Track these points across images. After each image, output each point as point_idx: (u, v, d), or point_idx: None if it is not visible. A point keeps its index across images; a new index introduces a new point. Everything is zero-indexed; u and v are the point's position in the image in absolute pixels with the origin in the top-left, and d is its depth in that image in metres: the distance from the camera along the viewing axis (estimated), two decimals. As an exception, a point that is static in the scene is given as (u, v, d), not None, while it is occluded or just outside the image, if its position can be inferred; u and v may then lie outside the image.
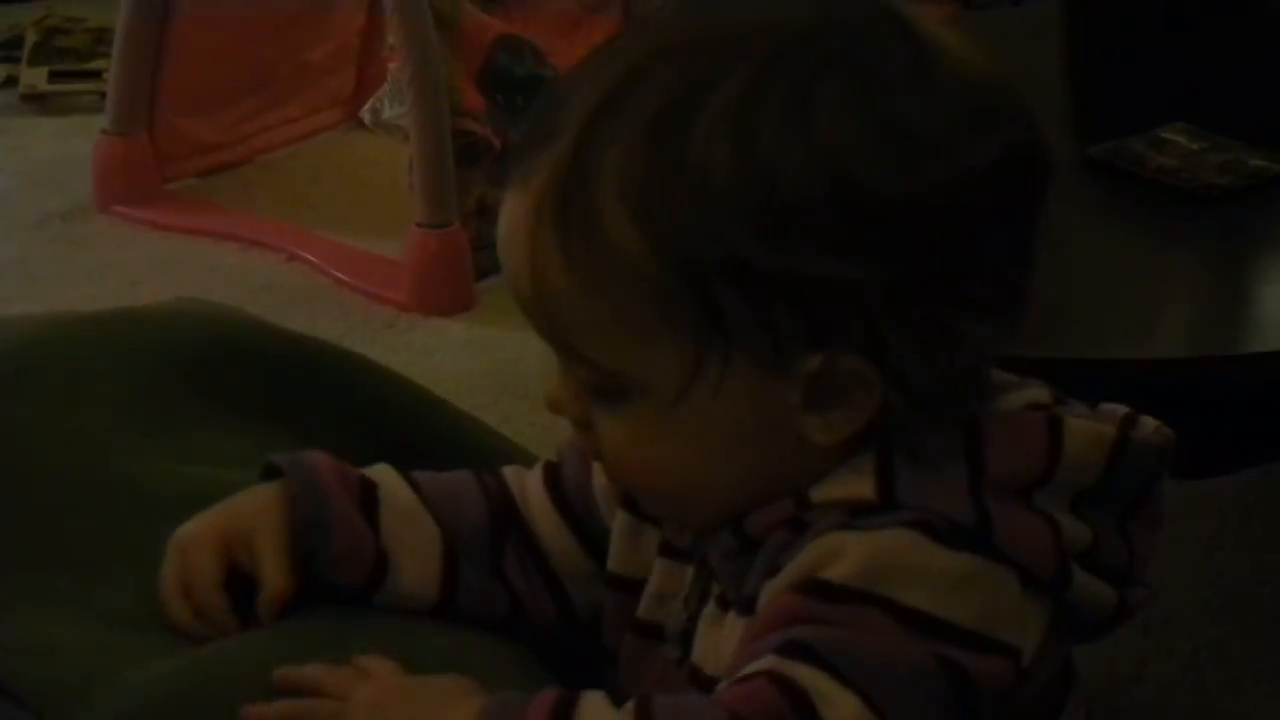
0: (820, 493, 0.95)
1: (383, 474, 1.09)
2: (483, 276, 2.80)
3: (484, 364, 2.58)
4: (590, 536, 1.09)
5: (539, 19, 2.92)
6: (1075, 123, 2.15)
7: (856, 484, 0.94)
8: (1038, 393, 0.99)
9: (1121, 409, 1.01)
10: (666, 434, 0.95)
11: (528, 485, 1.11)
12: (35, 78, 3.53)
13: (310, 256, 2.91)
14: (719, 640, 0.99)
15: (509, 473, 1.12)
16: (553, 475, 1.10)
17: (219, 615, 1.05)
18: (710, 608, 1.00)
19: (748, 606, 0.96)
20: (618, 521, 1.07)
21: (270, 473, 1.09)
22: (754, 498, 0.96)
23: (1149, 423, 1.01)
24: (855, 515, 0.93)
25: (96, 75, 3.39)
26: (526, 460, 1.17)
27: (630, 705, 0.91)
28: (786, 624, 0.91)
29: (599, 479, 1.08)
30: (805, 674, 0.89)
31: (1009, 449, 0.94)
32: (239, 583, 1.06)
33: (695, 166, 0.90)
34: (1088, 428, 0.96)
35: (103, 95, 3.16)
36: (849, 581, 0.91)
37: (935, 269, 0.93)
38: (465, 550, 1.08)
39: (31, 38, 3.64)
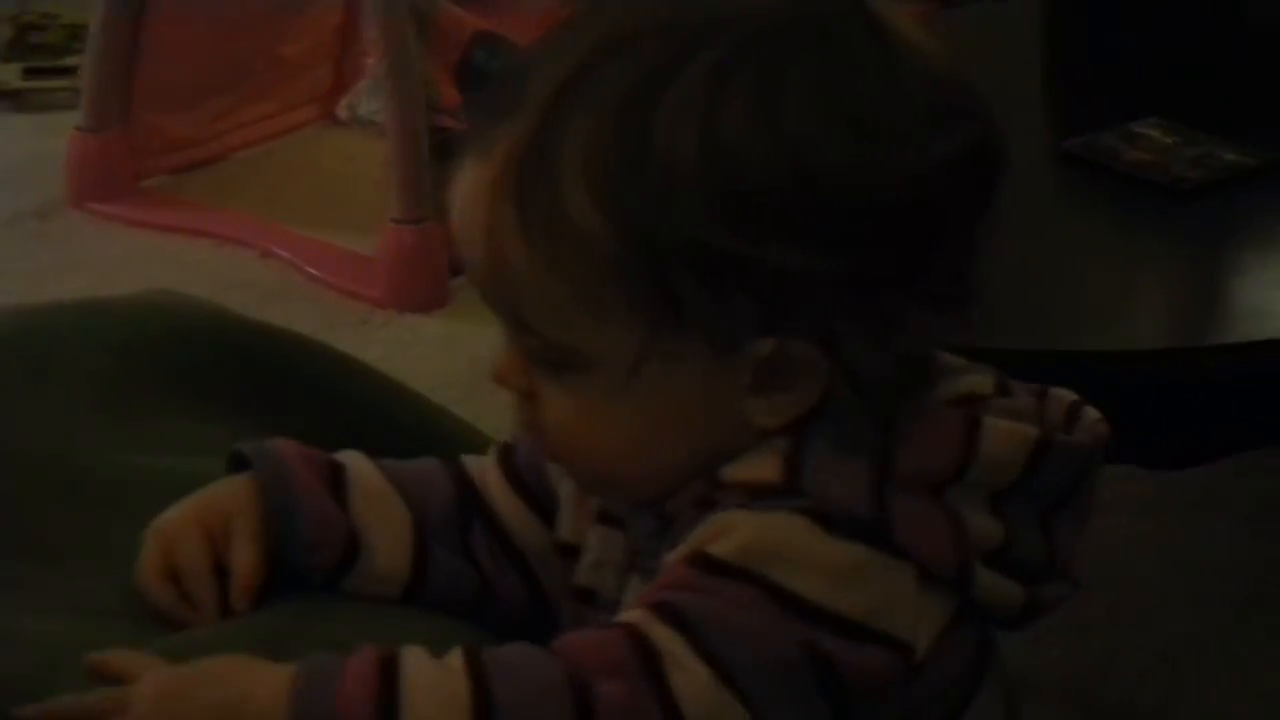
0: (730, 473, 0.95)
1: (351, 457, 1.09)
2: (458, 273, 2.80)
3: (458, 360, 2.58)
4: (547, 511, 1.08)
5: (516, 15, 2.93)
6: (1051, 117, 2.16)
7: (763, 467, 0.94)
8: (980, 379, 0.99)
9: (1070, 396, 1.01)
10: (612, 409, 0.95)
11: (485, 468, 1.11)
12: (9, 74, 3.53)
13: (285, 253, 2.92)
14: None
15: (468, 460, 1.12)
16: (507, 455, 1.11)
17: (208, 600, 1.04)
18: (635, 580, 1.00)
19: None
20: (564, 490, 1.07)
21: (237, 461, 1.08)
22: (687, 477, 0.96)
23: (1090, 414, 1.01)
24: (756, 497, 0.93)
25: (71, 72, 3.39)
26: (497, 453, 1.17)
27: (459, 657, 0.90)
28: (663, 589, 0.91)
29: None
30: (664, 634, 0.89)
31: (920, 445, 0.94)
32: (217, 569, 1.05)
33: (658, 149, 0.90)
34: (1007, 428, 0.95)
35: (77, 92, 3.17)
36: (731, 557, 0.90)
37: (890, 260, 0.93)
38: (434, 531, 1.08)
39: (5, 34, 3.64)
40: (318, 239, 2.93)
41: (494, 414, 1.24)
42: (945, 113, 0.94)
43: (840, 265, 0.91)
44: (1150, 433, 1.59)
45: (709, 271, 0.91)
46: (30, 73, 3.54)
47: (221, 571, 1.05)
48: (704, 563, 0.91)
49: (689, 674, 0.88)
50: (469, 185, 0.95)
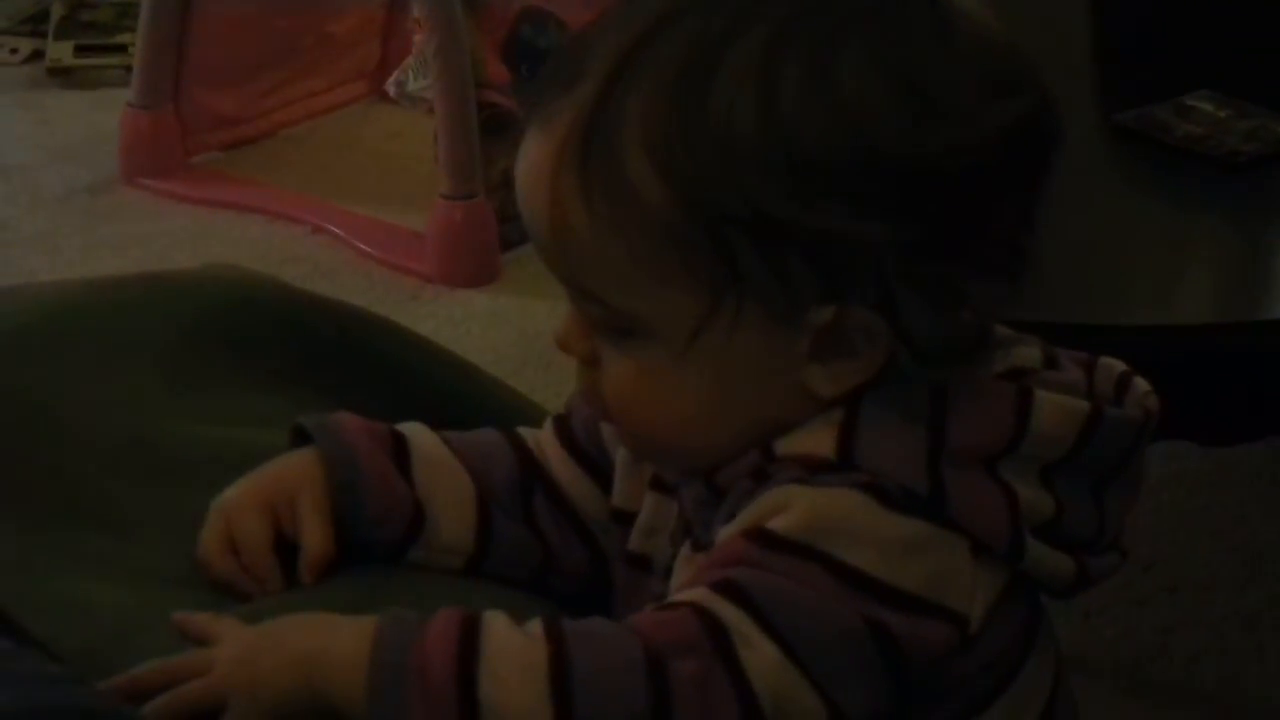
0: (784, 446, 0.95)
1: (413, 429, 1.10)
2: (508, 248, 2.80)
3: (509, 335, 2.58)
4: (604, 478, 1.09)
5: (563, -10, 2.93)
6: (1101, 90, 2.15)
7: (818, 441, 0.94)
8: (1029, 351, 1.00)
9: (1119, 367, 1.02)
10: (672, 377, 0.95)
11: (542, 439, 1.12)
12: (61, 52, 3.53)
13: (335, 229, 2.92)
14: (686, 579, 0.98)
15: (524, 432, 1.12)
16: (563, 425, 1.11)
17: (268, 575, 1.05)
18: (685, 549, 1.01)
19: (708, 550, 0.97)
20: (620, 457, 1.08)
21: (299, 435, 1.09)
22: (745, 446, 0.96)
23: (1140, 385, 1.01)
24: (812, 471, 0.93)
25: (122, 49, 3.40)
26: (553, 426, 1.17)
27: (539, 625, 0.91)
28: (726, 565, 0.92)
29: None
30: (732, 613, 0.90)
31: (973, 419, 0.94)
32: (281, 545, 1.06)
33: (719, 118, 0.91)
34: (1059, 402, 0.96)
35: (128, 69, 3.17)
36: (791, 533, 0.91)
37: (949, 229, 0.93)
38: (497, 501, 1.08)
39: (57, 12, 3.64)
40: (367, 215, 2.94)
41: (545, 388, 1.25)
42: (1000, 82, 0.94)
43: (899, 233, 0.92)
44: (1203, 409, 1.59)
45: (769, 239, 0.92)
46: (82, 50, 3.53)
47: (286, 545, 1.06)
48: (765, 538, 0.91)
49: (758, 651, 0.89)
50: (533, 156, 0.95)
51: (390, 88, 3.34)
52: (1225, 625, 1.99)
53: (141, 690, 0.93)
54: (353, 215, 2.94)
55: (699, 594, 0.91)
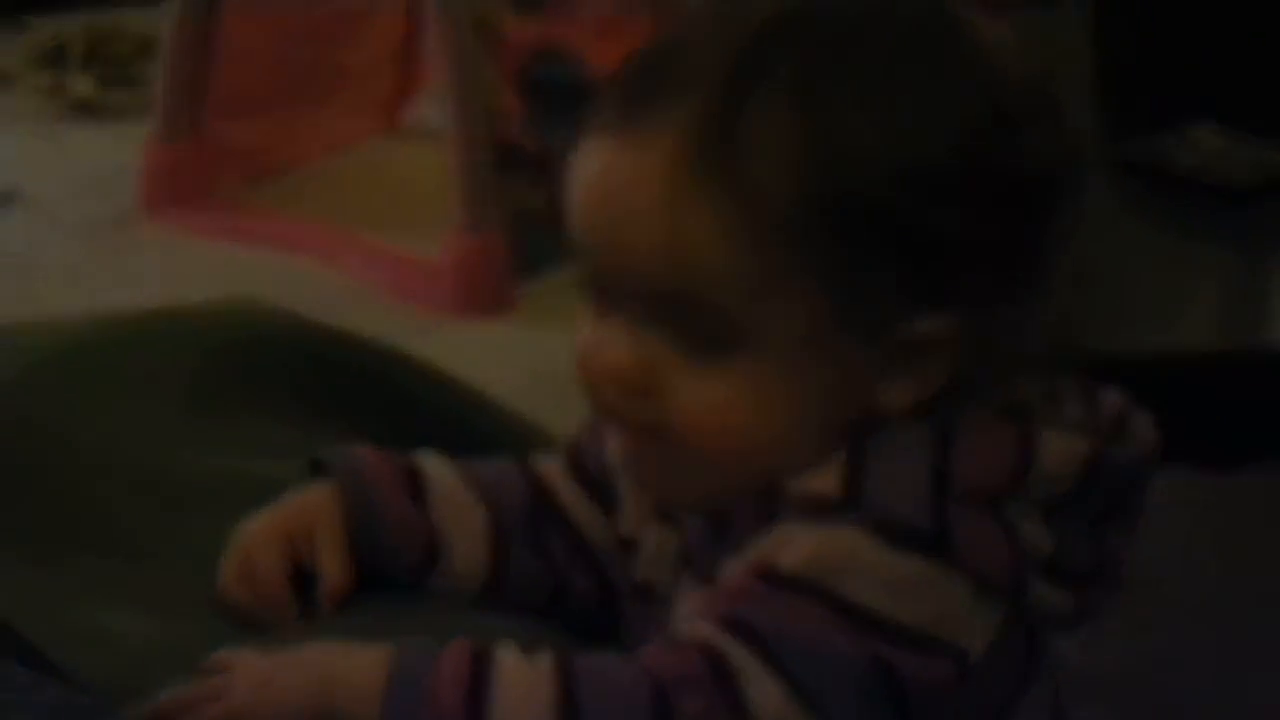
0: (792, 484, 0.94)
1: (429, 460, 1.10)
2: (522, 278, 2.81)
3: (523, 365, 2.58)
4: (612, 508, 1.09)
5: (576, 23, 2.93)
6: (1105, 122, 2.16)
7: (825, 480, 0.93)
8: (1029, 384, 0.99)
9: (1118, 400, 1.01)
10: (766, 391, 0.94)
11: (552, 469, 1.11)
12: (82, 85, 3.54)
13: (352, 260, 2.93)
14: (691, 610, 0.97)
15: (536, 460, 1.12)
16: (574, 454, 1.11)
17: (283, 606, 1.05)
18: (687, 579, 1.00)
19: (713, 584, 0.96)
20: (625, 486, 1.07)
21: (316, 468, 1.09)
22: (794, 469, 0.95)
23: (1140, 421, 1.01)
24: (819, 510, 0.93)
25: (142, 82, 3.41)
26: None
27: (549, 659, 0.91)
28: (734, 601, 0.92)
29: (611, 448, 1.06)
30: (738, 651, 0.90)
31: (978, 460, 0.93)
32: (300, 575, 1.06)
33: (842, 126, 0.91)
34: (1063, 442, 0.95)
35: (149, 102, 3.18)
36: (797, 571, 0.91)
37: (1026, 244, 0.95)
38: (511, 530, 1.08)
39: (78, 46, 3.65)
40: (384, 246, 2.94)
41: (558, 418, 1.25)
42: (1050, 107, 0.96)
43: (994, 235, 0.93)
44: (1204, 434, 1.59)
45: (889, 244, 0.92)
46: (103, 84, 3.55)
47: (305, 575, 1.06)
48: (771, 575, 0.91)
49: (764, 689, 0.89)
50: (626, 168, 0.94)
51: (407, 119, 3.35)
52: (1228, 648, 1.99)
53: (163, 718, 0.93)
54: (369, 246, 2.95)
55: (706, 630, 0.91)
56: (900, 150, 0.92)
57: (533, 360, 2.58)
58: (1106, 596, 0.99)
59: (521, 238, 2.81)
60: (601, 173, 0.95)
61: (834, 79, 0.92)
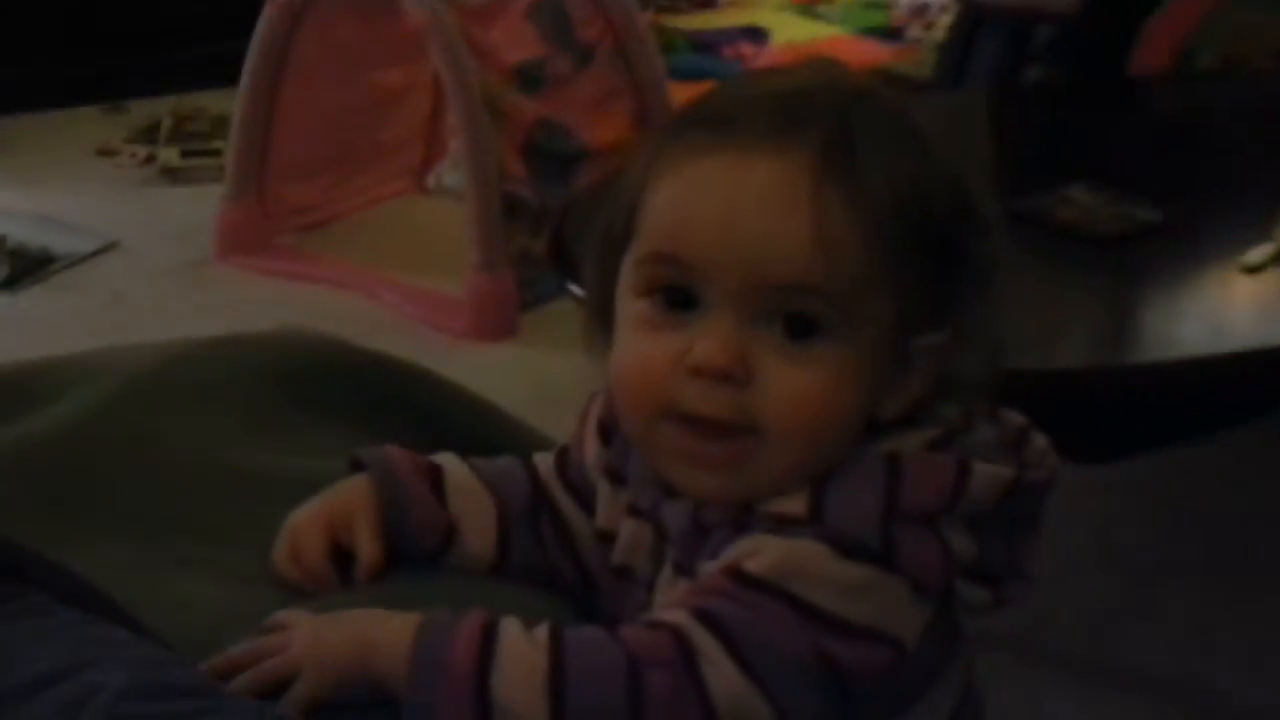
0: (765, 506, 0.93)
1: (447, 459, 1.09)
2: (525, 309, 2.80)
3: (527, 379, 2.58)
4: (589, 505, 1.07)
5: (569, 102, 2.93)
6: (999, 183, 2.17)
7: (792, 502, 0.92)
8: (953, 413, 0.97)
9: (1019, 421, 1.00)
10: (846, 375, 0.92)
11: (547, 468, 1.10)
12: (170, 155, 3.56)
13: (386, 295, 2.92)
14: (671, 600, 0.96)
15: (537, 457, 1.11)
16: (562, 457, 1.09)
17: (324, 579, 1.04)
18: (667, 571, 0.98)
19: (692, 578, 0.95)
20: (601, 488, 1.05)
21: (356, 465, 1.09)
22: (819, 470, 0.92)
23: (1038, 440, 0.99)
24: (784, 524, 0.91)
25: (217, 153, 3.41)
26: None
27: (544, 633, 0.90)
28: (707, 595, 0.90)
29: (589, 455, 1.06)
30: (704, 638, 0.88)
31: (921, 488, 0.92)
32: (341, 552, 1.06)
33: (916, 168, 0.93)
34: (991, 472, 0.93)
35: (221, 169, 3.18)
36: (763, 574, 0.89)
37: (985, 279, 0.95)
38: (514, 521, 1.07)
39: (167, 124, 3.67)
40: (412, 283, 2.94)
41: (555, 424, 1.24)
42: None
43: (989, 261, 0.94)
44: (1079, 435, 1.59)
45: (940, 252, 0.92)
46: (186, 154, 3.56)
47: (344, 552, 1.05)
48: (741, 576, 0.90)
49: (721, 671, 0.88)
50: (767, 178, 0.91)
51: (430, 181, 3.35)
52: (1094, 607, 1.99)
53: (233, 668, 0.93)
54: (400, 284, 2.95)
55: (680, 618, 0.90)
56: (949, 188, 0.93)
57: (533, 376, 2.58)
58: (1017, 591, 0.97)
59: (524, 276, 2.81)
60: (733, 183, 0.92)
61: (901, 132, 0.94)
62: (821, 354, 0.91)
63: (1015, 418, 1.00)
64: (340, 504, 1.06)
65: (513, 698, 0.88)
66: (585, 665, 0.89)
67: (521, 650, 0.89)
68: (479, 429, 1.25)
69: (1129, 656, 1.93)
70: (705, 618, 0.89)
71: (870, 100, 0.95)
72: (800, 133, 0.91)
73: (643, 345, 0.94)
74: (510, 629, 0.91)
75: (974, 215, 0.94)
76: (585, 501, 1.07)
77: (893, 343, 0.92)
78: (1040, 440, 1.00)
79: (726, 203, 0.91)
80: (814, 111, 0.93)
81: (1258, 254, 1.83)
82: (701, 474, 0.94)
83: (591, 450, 1.05)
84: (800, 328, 0.91)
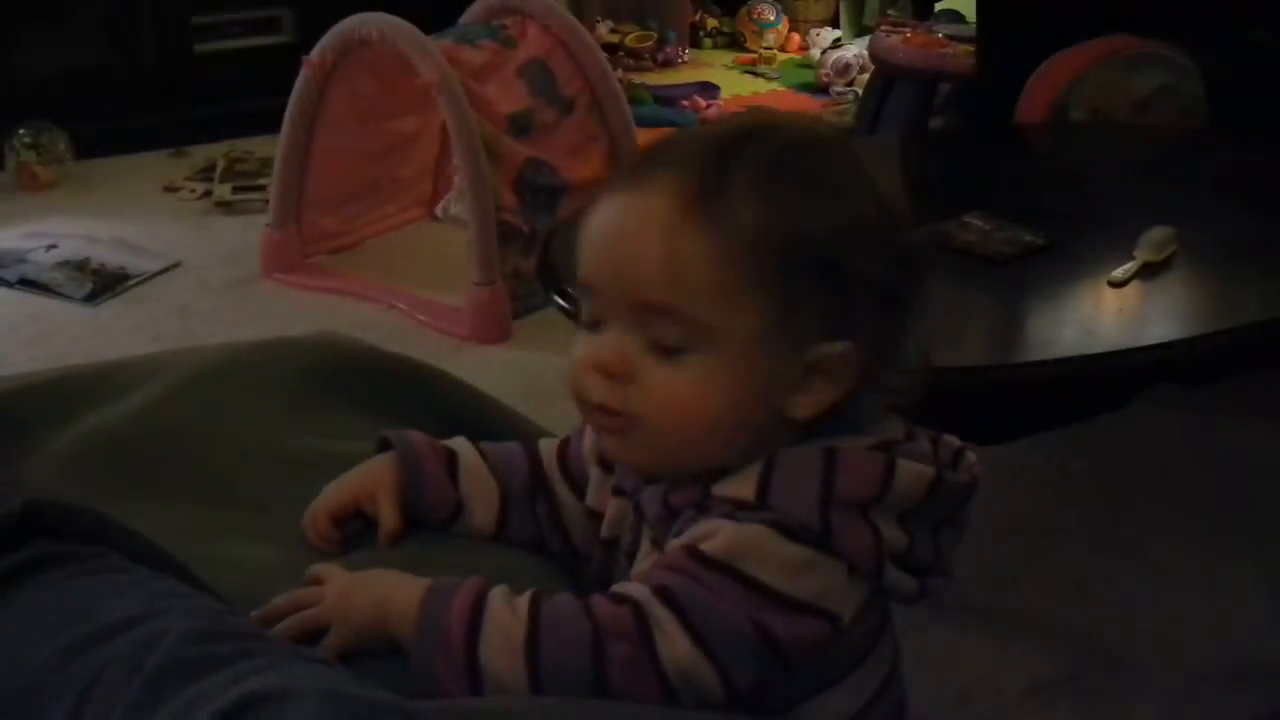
0: (718, 488, 0.90)
1: (460, 444, 1.07)
2: (517, 317, 2.79)
3: (519, 375, 2.57)
4: (581, 489, 1.05)
5: (554, 145, 2.93)
6: (910, 212, 2.16)
7: (742, 486, 0.89)
8: (894, 426, 0.94)
9: (956, 442, 0.97)
10: (713, 383, 0.89)
11: (548, 453, 1.07)
12: (223, 191, 3.55)
13: (401, 306, 2.91)
14: (643, 570, 0.94)
15: (542, 443, 1.09)
16: (563, 448, 1.07)
17: (334, 543, 1.03)
18: (645, 546, 0.97)
19: (663, 551, 0.92)
20: (593, 473, 1.03)
21: (383, 444, 1.07)
22: (727, 457, 0.90)
23: (969, 457, 0.96)
24: (736, 509, 0.88)
25: (263, 189, 3.40)
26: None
27: (525, 604, 0.88)
28: (668, 569, 0.88)
29: (586, 445, 1.04)
30: (660, 613, 0.86)
31: (854, 478, 0.88)
32: (366, 520, 1.04)
33: (794, 195, 0.88)
34: (915, 469, 0.90)
35: (266, 202, 3.17)
36: (717, 554, 0.86)
37: (901, 294, 0.91)
38: (513, 500, 1.06)
39: (221, 164, 3.67)
40: (423, 296, 2.93)
41: (542, 415, 1.23)
42: (894, 201, 0.93)
43: (887, 284, 0.89)
44: (979, 420, 1.59)
45: (826, 279, 0.88)
46: (237, 190, 3.54)
47: (369, 521, 1.04)
48: (698, 556, 0.87)
49: (674, 642, 0.86)
50: (638, 208, 0.89)
51: (438, 211, 3.33)
52: (992, 565, 1.98)
53: (276, 615, 0.92)
54: (413, 296, 2.93)
55: (642, 593, 0.87)
56: (834, 216, 0.88)
57: (524, 373, 2.57)
58: (941, 584, 0.94)
59: (517, 290, 2.80)
60: (617, 214, 0.90)
61: (787, 166, 0.89)
62: (689, 360, 0.89)
63: (953, 440, 0.97)
64: (367, 479, 1.05)
65: (499, 665, 0.86)
66: (557, 634, 0.86)
67: (504, 622, 0.87)
68: (480, 417, 1.24)
69: (1021, 605, 1.93)
70: (663, 594, 0.87)
71: (764, 141, 0.90)
72: (683, 169, 0.89)
73: (576, 351, 0.93)
74: (496, 601, 0.88)
75: (870, 242, 0.88)
76: (578, 486, 1.05)
77: (775, 351, 0.89)
78: (971, 456, 0.96)
79: (608, 230, 0.90)
80: (701, 151, 0.90)
81: (1121, 271, 1.83)
82: (609, 440, 0.94)
83: (588, 441, 1.04)
84: (665, 341, 0.89)
